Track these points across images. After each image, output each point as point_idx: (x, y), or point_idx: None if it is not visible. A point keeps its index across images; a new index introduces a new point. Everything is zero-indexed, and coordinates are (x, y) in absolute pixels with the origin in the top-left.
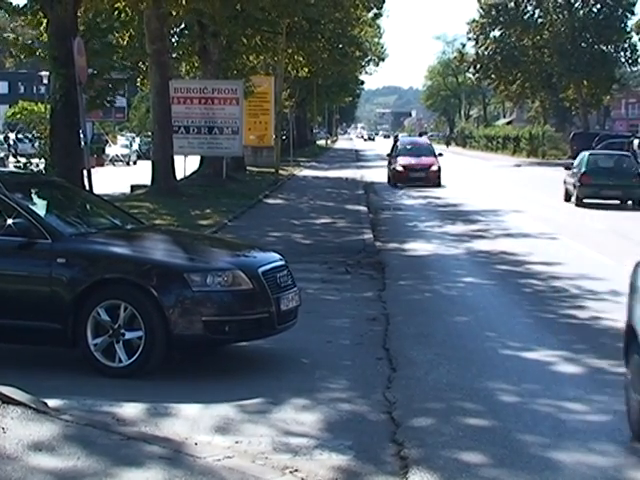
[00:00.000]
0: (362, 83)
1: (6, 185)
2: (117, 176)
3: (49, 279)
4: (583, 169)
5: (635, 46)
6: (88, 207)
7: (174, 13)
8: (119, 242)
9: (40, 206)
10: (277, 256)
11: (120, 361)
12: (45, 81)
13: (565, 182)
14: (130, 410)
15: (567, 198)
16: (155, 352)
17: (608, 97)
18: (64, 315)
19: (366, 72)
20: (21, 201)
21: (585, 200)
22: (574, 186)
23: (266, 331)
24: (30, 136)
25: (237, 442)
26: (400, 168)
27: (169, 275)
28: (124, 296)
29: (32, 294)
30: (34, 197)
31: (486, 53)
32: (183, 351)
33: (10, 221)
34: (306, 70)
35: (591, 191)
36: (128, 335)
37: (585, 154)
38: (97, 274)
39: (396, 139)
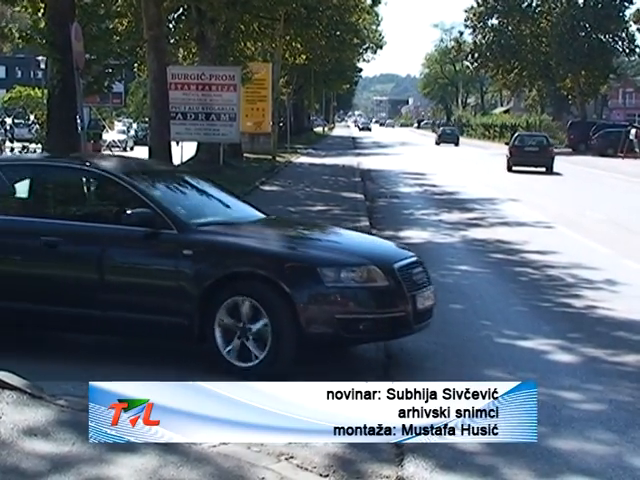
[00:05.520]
0: (360, 70)
1: (128, 173)
2: None
3: (174, 272)
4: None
5: (633, 36)
6: (210, 197)
7: None
8: (247, 234)
9: (164, 195)
10: (411, 252)
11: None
12: (42, 66)
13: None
14: None
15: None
16: (284, 351)
17: (605, 86)
18: (190, 310)
19: (364, 59)
20: (145, 190)
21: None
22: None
23: (402, 331)
24: (27, 121)
25: None
26: None
27: (301, 269)
28: (253, 291)
29: (156, 287)
30: (156, 186)
31: (484, 42)
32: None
33: (135, 210)
34: (304, 57)
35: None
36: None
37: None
38: (225, 268)
39: None
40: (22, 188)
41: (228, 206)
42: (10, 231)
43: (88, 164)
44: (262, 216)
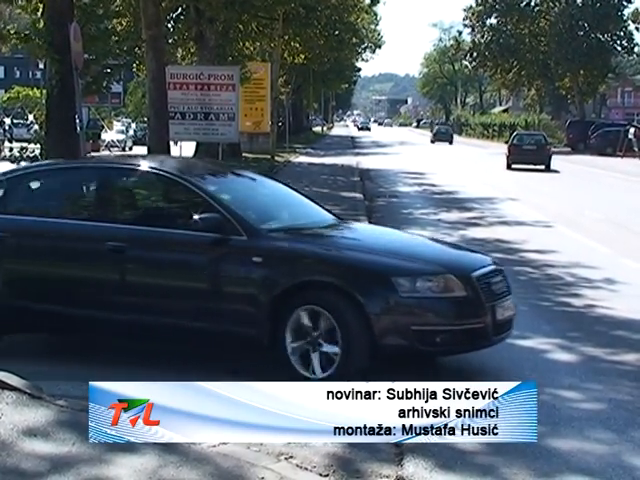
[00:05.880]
0: (358, 70)
1: (195, 176)
2: None
3: (244, 280)
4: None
5: (632, 35)
6: (280, 199)
7: None
8: (318, 240)
9: (233, 199)
10: (489, 259)
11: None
12: (41, 66)
13: None
14: None
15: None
16: (355, 362)
17: (604, 86)
18: (260, 319)
19: (362, 59)
20: (214, 193)
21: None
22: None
23: (480, 343)
24: (26, 121)
25: None
26: None
27: (374, 279)
28: (325, 301)
29: (225, 295)
30: (225, 189)
31: (482, 41)
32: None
33: (203, 216)
34: (302, 57)
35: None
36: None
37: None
38: (296, 276)
39: None
40: (87, 192)
41: (299, 209)
42: (75, 236)
43: (154, 167)
44: (334, 220)
